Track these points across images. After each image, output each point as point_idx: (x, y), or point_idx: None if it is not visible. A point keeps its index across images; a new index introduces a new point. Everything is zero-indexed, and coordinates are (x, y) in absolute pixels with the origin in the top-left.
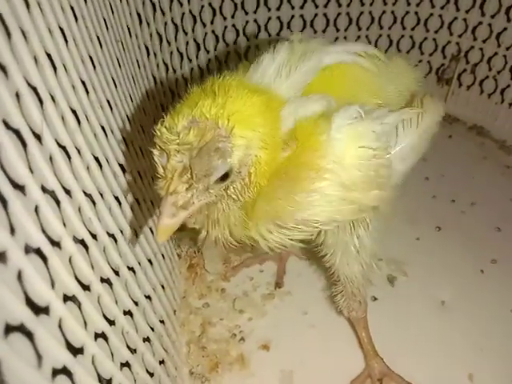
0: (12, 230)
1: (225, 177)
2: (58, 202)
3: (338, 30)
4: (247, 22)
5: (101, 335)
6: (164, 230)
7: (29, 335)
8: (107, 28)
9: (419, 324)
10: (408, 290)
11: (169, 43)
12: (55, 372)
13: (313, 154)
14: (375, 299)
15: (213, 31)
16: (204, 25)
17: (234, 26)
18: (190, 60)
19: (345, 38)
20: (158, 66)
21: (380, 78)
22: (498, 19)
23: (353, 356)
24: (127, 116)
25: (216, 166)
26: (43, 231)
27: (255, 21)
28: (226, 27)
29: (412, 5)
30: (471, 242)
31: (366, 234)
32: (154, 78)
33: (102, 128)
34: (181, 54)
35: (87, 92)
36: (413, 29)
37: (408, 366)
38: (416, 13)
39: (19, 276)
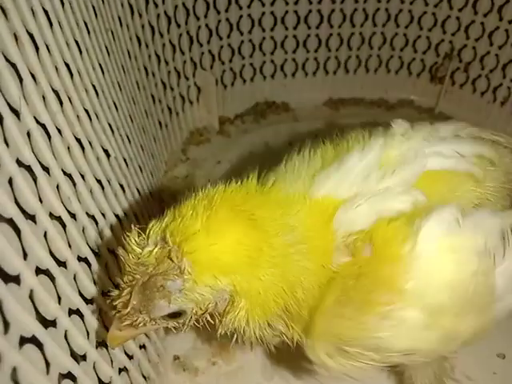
0: None
1: (176, 315)
2: (34, 178)
3: (331, 27)
4: (241, 16)
5: (75, 312)
6: (114, 339)
7: None
8: (96, 16)
9: None
10: None
11: (161, 35)
12: (23, 340)
13: (391, 269)
14: None
15: (206, 25)
16: (198, 18)
17: (227, 20)
18: (183, 53)
19: (338, 34)
20: (149, 57)
21: (488, 189)
22: (490, 18)
23: None
24: (114, 103)
25: (157, 305)
26: (16, 202)
27: (249, 16)
28: (219, 21)
29: (406, 3)
30: None
31: None
32: (146, 68)
33: (86, 111)
34: (173, 46)
35: (71, 75)
36: (406, 27)
37: None
38: (410, 11)
39: None
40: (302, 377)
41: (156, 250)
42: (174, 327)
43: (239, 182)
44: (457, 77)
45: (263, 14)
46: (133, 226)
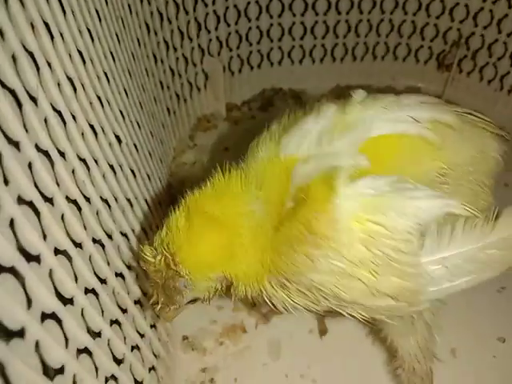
0: (5, 181)
1: (195, 300)
2: (51, 162)
3: (339, 13)
4: (248, 3)
5: (91, 291)
6: (167, 318)
7: (19, 278)
8: (107, 3)
9: None
10: None
11: (169, 21)
12: (44, 316)
13: (319, 219)
14: None
15: (214, 11)
16: (206, 5)
17: (235, 6)
18: (191, 39)
19: (346, 21)
20: (158, 44)
21: (445, 154)
22: (499, 5)
23: None
24: (125, 90)
25: (176, 299)
26: (36, 186)
27: (257, 2)
28: (227, 8)
29: None
30: None
31: None
32: (155, 55)
33: (99, 98)
34: (181, 33)
35: (84, 62)
36: (414, 14)
37: None
38: None
39: (11, 223)
40: (307, 356)
41: (162, 259)
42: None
43: (211, 180)
44: (464, 64)
45: (271, 0)
46: (143, 243)
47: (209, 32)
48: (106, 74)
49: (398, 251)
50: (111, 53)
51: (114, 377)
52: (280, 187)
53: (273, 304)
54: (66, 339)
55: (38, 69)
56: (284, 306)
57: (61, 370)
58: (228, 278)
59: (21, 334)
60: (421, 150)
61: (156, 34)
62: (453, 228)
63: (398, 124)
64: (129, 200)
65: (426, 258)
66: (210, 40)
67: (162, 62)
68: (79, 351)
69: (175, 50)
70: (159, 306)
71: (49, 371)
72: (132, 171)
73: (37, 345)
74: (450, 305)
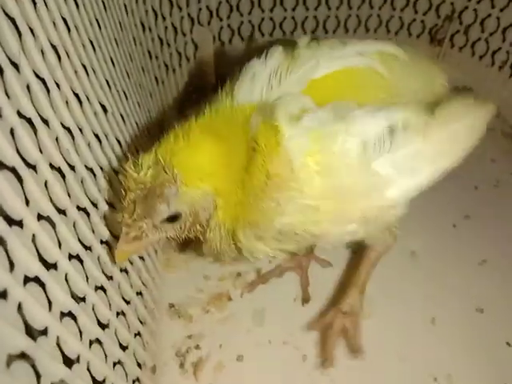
0: None
1: (174, 218)
2: (34, 129)
3: None
4: None
5: (75, 257)
6: (121, 254)
7: (1, 242)
8: None
9: (389, 270)
10: None
11: None
12: (27, 279)
13: (272, 161)
14: (346, 246)
15: (207, 6)
16: (198, 0)
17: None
18: (180, 8)
19: None
20: (146, 12)
21: (394, 82)
22: None
23: None
24: (111, 58)
25: (158, 209)
26: (18, 152)
27: None
28: (220, 3)
29: None
30: (447, 199)
31: None
32: (143, 24)
33: (84, 67)
34: (171, 2)
35: (68, 30)
36: None
37: (376, 306)
38: None
39: None
40: (291, 323)
41: (150, 170)
42: (173, 237)
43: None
44: (456, 39)
45: None
46: (129, 158)
47: (199, 1)
48: (91, 42)
49: (353, 173)
50: (97, 20)
51: (98, 340)
52: (241, 138)
53: (254, 257)
54: (50, 302)
55: (20, 35)
56: (265, 256)
57: (44, 332)
58: (215, 198)
59: (3, 295)
60: (367, 84)
61: (144, 2)
62: (394, 133)
63: (343, 59)
64: (115, 170)
65: (375, 164)
66: (200, 9)
67: (150, 30)
68: (63, 314)
69: (164, 18)
70: (127, 225)
71: (32, 332)
72: (118, 141)
73: (19, 306)
74: (431, 276)
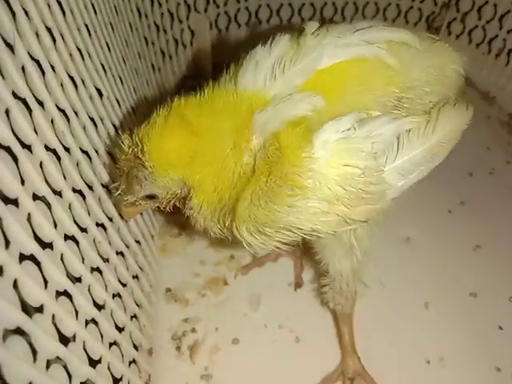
0: None
1: (153, 196)
2: (29, 110)
3: None
4: None
5: (71, 238)
6: (125, 213)
7: None
8: None
9: (384, 255)
10: None
11: None
12: (22, 257)
13: (293, 170)
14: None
15: None
16: None
17: None
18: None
19: None
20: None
21: (403, 73)
22: None
23: None
24: (107, 43)
25: (134, 189)
26: (13, 132)
27: None
28: None
29: None
30: (442, 186)
31: (363, 229)
32: (139, 10)
33: (79, 50)
34: None
35: (63, 13)
36: None
37: (370, 291)
38: None
39: None
40: (286, 307)
41: (133, 147)
42: (159, 208)
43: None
44: (453, 27)
45: None
46: (126, 132)
47: (198, 13)
48: (86, 26)
49: (369, 184)
50: (92, 5)
51: (94, 320)
52: (241, 126)
53: (252, 248)
54: (45, 281)
55: (13, 15)
56: (264, 248)
57: (40, 309)
58: (187, 185)
59: None
60: (373, 74)
61: None
62: (400, 138)
63: (350, 48)
64: (110, 153)
65: (385, 172)
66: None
67: (146, 17)
68: (58, 293)
69: (160, 5)
70: (118, 192)
71: (28, 308)
72: (114, 125)
73: (15, 283)
74: (426, 262)
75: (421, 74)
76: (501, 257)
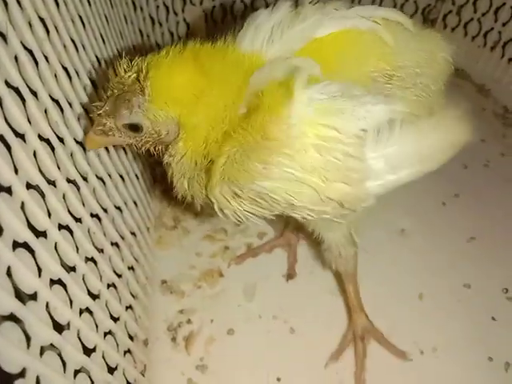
0: None
1: (135, 128)
2: (23, 99)
3: None
4: None
5: (65, 227)
6: (90, 141)
7: None
8: None
9: (378, 247)
10: (370, 219)
11: None
12: (16, 244)
13: (274, 124)
14: None
15: None
16: None
17: None
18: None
19: None
20: None
21: (397, 51)
22: None
23: None
24: (101, 35)
25: (121, 113)
26: (6, 121)
27: None
28: None
29: None
30: (437, 178)
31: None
32: (134, 2)
33: (73, 41)
34: None
35: (57, 4)
36: None
37: (365, 282)
38: None
39: None
40: (281, 297)
41: (134, 74)
42: (136, 145)
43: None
44: (449, 20)
45: None
46: (125, 57)
47: (194, 5)
48: (80, 17)
49: (347, 156)
50: None
51: (88, 310)
52: (236, 81)
53: (224, 214)
54: (39, 269)
55: (5, 5)
56: (236, 216)
57: (34, 297)
58: (178, 127)
59: None
60: (367, 49)
61: None
62: (392, 126)
63: (346, 20)
64: None
65: (368, 154)
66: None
67: (141, 9)
68: (52, 281)
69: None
70: (98, 112)
71: (21, 295)
72: None
73: (8, 270)
74: (420, 253)
75: (412, 55)
76: (495, 248)
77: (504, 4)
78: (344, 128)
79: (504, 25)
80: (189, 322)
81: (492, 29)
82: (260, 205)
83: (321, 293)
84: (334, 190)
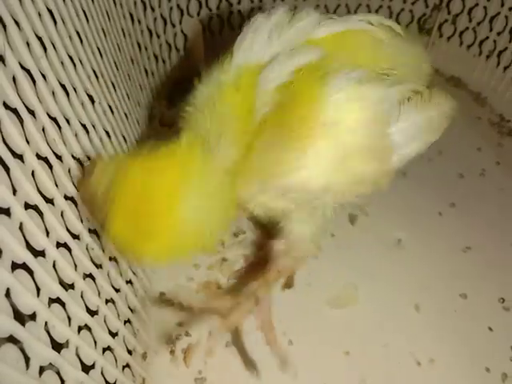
0: None
1: None
2: (20, 120)
3: None
4: None
5: (63, 245)
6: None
7: None
8: None
9: (374, 257)
10: (366, 229)
11: None
12: (15, 265)
13: (309, 107)
14: (333, 235)
15: None
16: None
17: None
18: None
19: None
20: (135, 3)
21: (392, 53)
22: None
23: None
24: (99, 49)
25: None
26: (4, 142)
27: None
28: None
29: None
30: (433, 187)
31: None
32: (131, 15)
33: (70, 58)
34: None
35: (54, 22)
36: None
37: (361, 293)
38: None
39: None
40: (280, 308)
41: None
42: None
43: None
44: (444, 29)
45: None
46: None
47: (191, 17)
48: (78, 33)
49: (380, 135)
50: (84, 11)
51: (87, 326)
52: (243, 98)
53: (245, 209)
54: (38, 288)
55: (4, 27)
56: (257, 210)
57: (33, 317)
58: None
59: None
60: (367, 51)
61: None
62: (403, 103)
63: (344, 22)
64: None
65: (390, 129)
66: (189, 0)
67: (139, 22)
68: (51, 300)
69: (153, 9)
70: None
71: (20, 316)
72: (106, 132)
73: (7, 292)
74: (416, 263)
75: (404, 58)
76: (491, 258)
77: (499, 13)
78: (375, 109)
79: (499, 34)
80: (187, 334)
81: (487, 38)
82: (284, 198)
83: (321, 303)
84: (369, 169)
